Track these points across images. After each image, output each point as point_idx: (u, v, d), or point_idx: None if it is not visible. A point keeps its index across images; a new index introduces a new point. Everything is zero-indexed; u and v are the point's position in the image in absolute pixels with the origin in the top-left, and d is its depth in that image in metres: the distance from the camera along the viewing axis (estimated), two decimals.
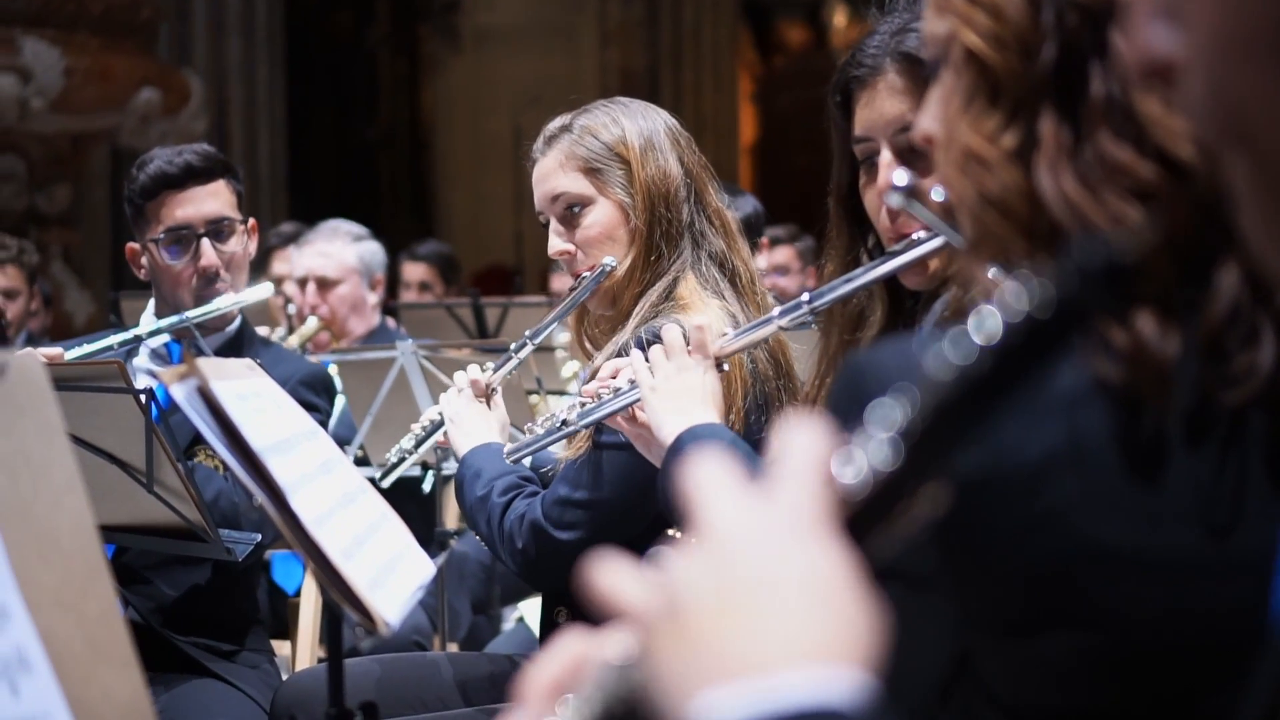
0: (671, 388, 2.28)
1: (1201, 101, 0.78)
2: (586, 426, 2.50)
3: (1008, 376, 0.86)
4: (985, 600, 1.14)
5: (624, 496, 2.60)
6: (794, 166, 17.88)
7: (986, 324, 0.85)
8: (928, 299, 2.13)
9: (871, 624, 0.80)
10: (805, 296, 2.15)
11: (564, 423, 2.49)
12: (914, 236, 2.02)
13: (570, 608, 2.77)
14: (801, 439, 0.86)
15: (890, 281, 2.12)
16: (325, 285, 5.44)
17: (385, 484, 3.26)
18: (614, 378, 2.46)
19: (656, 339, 2.36)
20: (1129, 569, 1.09)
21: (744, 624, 0.79)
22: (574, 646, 0.89)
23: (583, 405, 2.48)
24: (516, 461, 2.70)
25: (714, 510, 0.84)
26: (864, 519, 0.84)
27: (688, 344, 2.30)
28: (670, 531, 2.36)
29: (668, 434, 2.25)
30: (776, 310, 2.24)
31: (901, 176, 1.90)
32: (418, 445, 3.10)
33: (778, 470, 0.85)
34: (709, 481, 0.85)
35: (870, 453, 0.85)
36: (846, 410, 1.16)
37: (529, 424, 2.69)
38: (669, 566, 0.83)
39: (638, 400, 2.35)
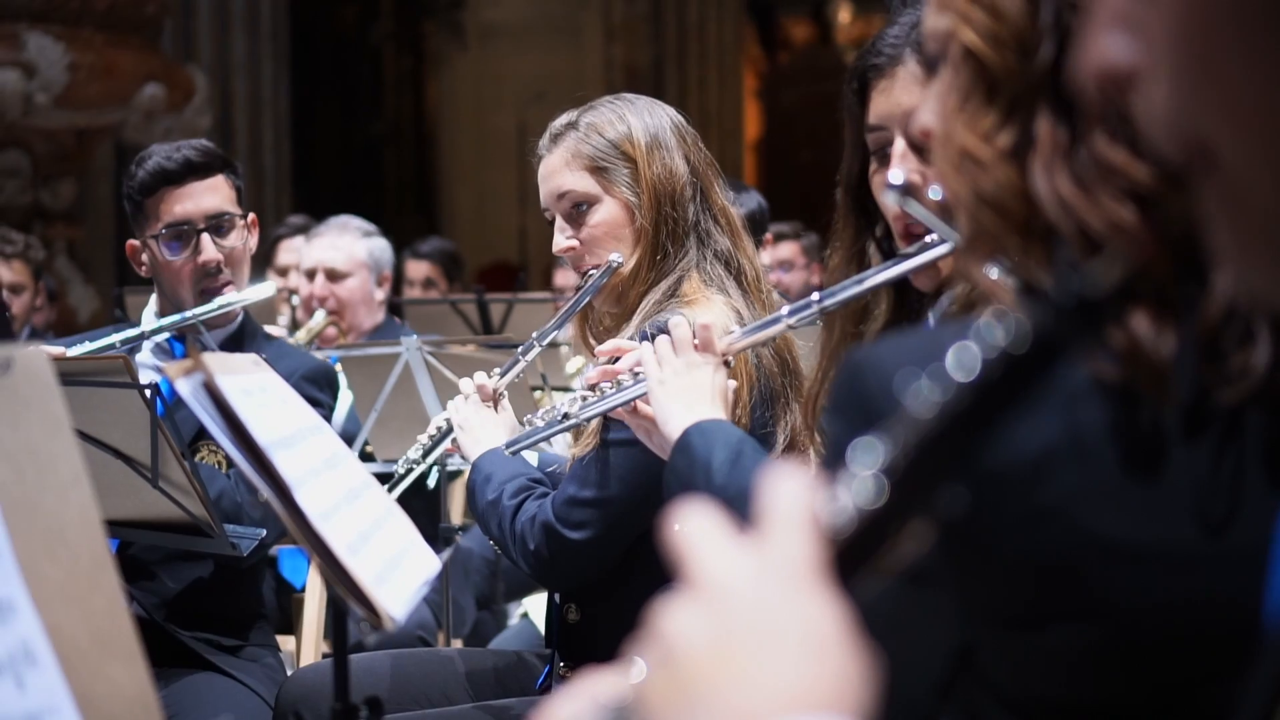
0: (680, 383, 2.26)
1: (1163, 112, 0.78)
2: (588, 419, 2.50)
3: (987, 411, 0.88)
4: (987, 594, 1.14)
5: (633, 493, 2.59)
6: (798, 163, 17.88)
7: (964, 360, 0.87)
8: (933, 292, 2.12)
9: (864, 674, 0.80)
10: (815, 296, 2.13)
11: (565, 415, 2.49)
12: (927, 239, 2.01)
13: (580, 604, 2.78)
14: (789, 487, 0.86)
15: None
16: (334, 277, 5.44)
17: (393, 496, 3.26)
18: (615, 360, 2.45)
19: (661, 332, 2.35)
20: (1129, 562, 1.09)
21: (738, 675, 0.79)
22: (584, 691, 0.89)
23: (584, 398, 2.47)
24: (516, 454, 2.70)
25: (706, 562, 0.84)
26: (850, 556, 0.85)
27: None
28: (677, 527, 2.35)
29: (674, 428, 2.23)
30: (785, 309, 2.22)
31: (897, 176, 1.90)
32: (425, 455, 3.11)
33: (767, 520, 0.85)
34: (700, 534, 0.85)
35: (854, 490, 0.86)
36: (847, 409, 1.17)
37: (529, 415, 2.69)
38: (663, 618, 0.83)
39: (641, 394, 2.34)
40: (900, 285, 2.14)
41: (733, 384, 2.34)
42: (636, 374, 2.36)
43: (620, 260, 2.71)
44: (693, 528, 0.86)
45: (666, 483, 2.24)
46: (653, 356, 2.30)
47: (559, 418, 2.51)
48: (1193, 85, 0.75)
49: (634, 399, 2.37)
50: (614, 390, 2.40)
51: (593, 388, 2.47)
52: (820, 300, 2.13)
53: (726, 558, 0.84)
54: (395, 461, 3.35)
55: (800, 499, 0.86)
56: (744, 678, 0.79)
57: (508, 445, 2.68)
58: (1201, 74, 0.74)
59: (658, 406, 2.28)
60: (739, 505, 1.96)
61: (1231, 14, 0.73)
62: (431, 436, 3.09)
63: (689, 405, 2.24)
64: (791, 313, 2.20)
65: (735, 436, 2.20)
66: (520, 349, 2.91)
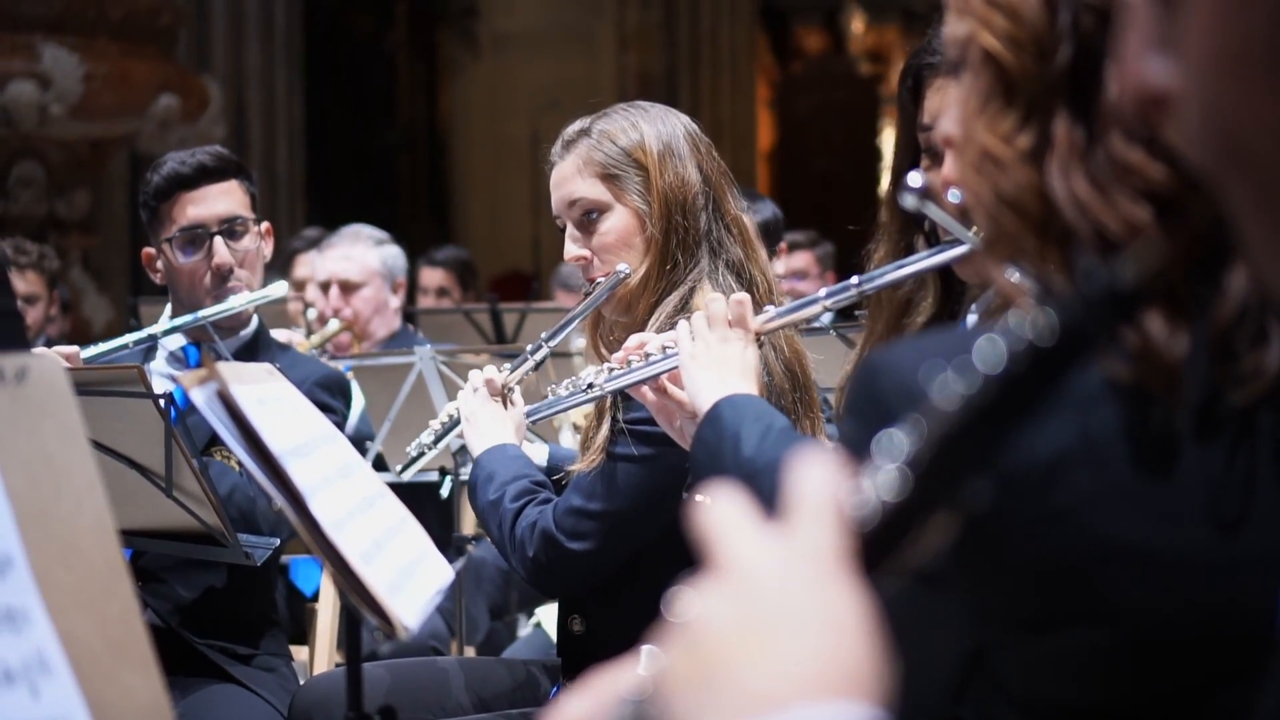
0: (712, 356, 2.22)
1: (1197, 128, 0.79)
2: (613, 391, 2.48)
3: (1013, 404, 0.87)
4: (1000, 597, 1.14)
5: (636, 508, 2.59)
6: (811, 172, 17.90)
7: (990, 353, 0.87)
8: (975, 288, 2.11)
9: (882, 663, 0.81)
10: (854, 280, 2.12)
11: (590, 385, 2.47)
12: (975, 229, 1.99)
13: (585, 616, 2.77)
14: (817, 475, 0.86)
15: (944, 270, 2.09)
16: (348, 288, 5.45)
17: (405, 477, 3.26)
18: (639, 349, 2.43)
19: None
20: (1141, 564, 1.09)
21: (760, 658, 0.79)
22: (605, 685, 0.90)
23: (610, 370, 2.45)
24: (536, 422, 2.68)
25: (733, 547, 0.84)
26: (874, 548, 0.85)
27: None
28: (695, 497, 2.34)
29: (705, 400, 2.18)
30: (822, 291, 2.21)
31: (916, 179, 1.90)
32: (437, 441, 3.10)
33: (795, 507, 0.86)
34: (727, 519, 0.86)
35: (878, 483, 0.86)
36: (862, 410, 1.17)
37: (552, 385, 2.68)
38: (688, 600, 0.84)
39: (670, 369, 2.31)
40: (946, 279, 2.13)
41: None
42: (666, 349, 2.34)
43: (628, 270, 2.70)
44: (720, 513, 0.86)
45: (694, 454, 2.20)
46: (686, 331, 2.28)
47: (583, 387, 2.49)
48: (1227, 92, 0.75)
49: (661, 374, 2.34)
50: (642, 364, 2.38)
51: (620, 362, 2.44)
52: (859, 284, 2.11)
53: (752, 543, 0.84)
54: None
55: (827, 487, 0.86)
56: (763, 661, 0.79)
57: (529, 413, 2.66)
58: (1235, 81, 0.75)
59: (688, 378, 2.24)
60: (767, 478, 1.96)
61: (1266, 20, 0.73)
62: (444, 423, 3.08)
63: (720, 378, 2.20)
64: (829, 294, 2.18)
65: (766, 410, 2.16)
66: (530, 348, 2.90)
